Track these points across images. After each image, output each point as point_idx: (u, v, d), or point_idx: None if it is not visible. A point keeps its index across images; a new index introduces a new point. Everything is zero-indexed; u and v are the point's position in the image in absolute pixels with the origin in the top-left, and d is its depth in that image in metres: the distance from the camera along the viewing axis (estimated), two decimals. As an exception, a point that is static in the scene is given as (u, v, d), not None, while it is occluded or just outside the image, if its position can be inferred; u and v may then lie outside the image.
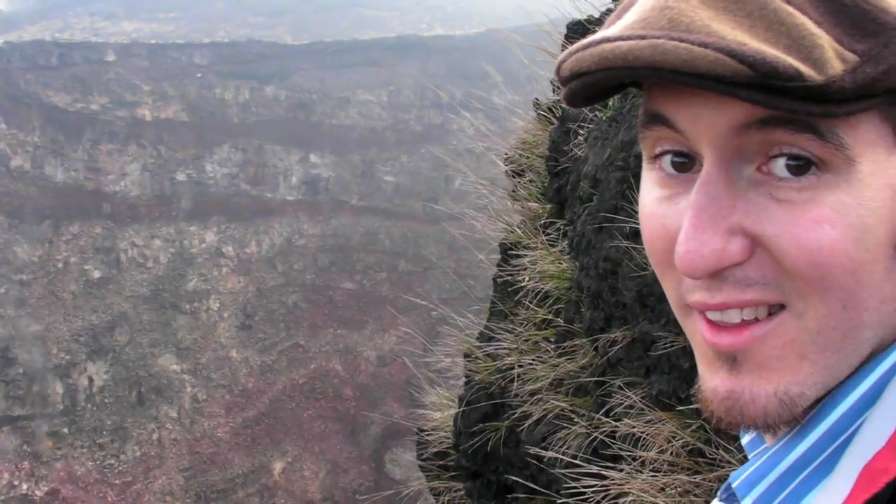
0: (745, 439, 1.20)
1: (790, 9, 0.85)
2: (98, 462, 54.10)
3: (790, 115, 0.86)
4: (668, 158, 0.99)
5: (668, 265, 0.99)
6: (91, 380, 56.82)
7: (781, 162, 0.90)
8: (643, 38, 0.87)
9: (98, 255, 60.51)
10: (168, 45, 66.68)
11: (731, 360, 0.98)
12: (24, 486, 51.89)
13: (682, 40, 0.85)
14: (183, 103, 65.17)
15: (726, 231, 0.91)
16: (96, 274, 60.02)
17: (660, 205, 1.00)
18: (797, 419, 0.98)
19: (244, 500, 55.74)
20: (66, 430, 54.58)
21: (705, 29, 0.85)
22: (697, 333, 1.01)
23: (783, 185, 0.90)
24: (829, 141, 0.86)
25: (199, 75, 66.09)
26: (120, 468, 54.35)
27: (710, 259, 0.91)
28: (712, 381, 1.00)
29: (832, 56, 0.83)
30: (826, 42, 0.83)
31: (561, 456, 4.30)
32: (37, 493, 51.89)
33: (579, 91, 0.95)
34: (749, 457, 1.14)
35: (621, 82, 0.95)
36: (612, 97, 0.90)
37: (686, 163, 0.98)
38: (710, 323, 0.98)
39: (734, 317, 0.96)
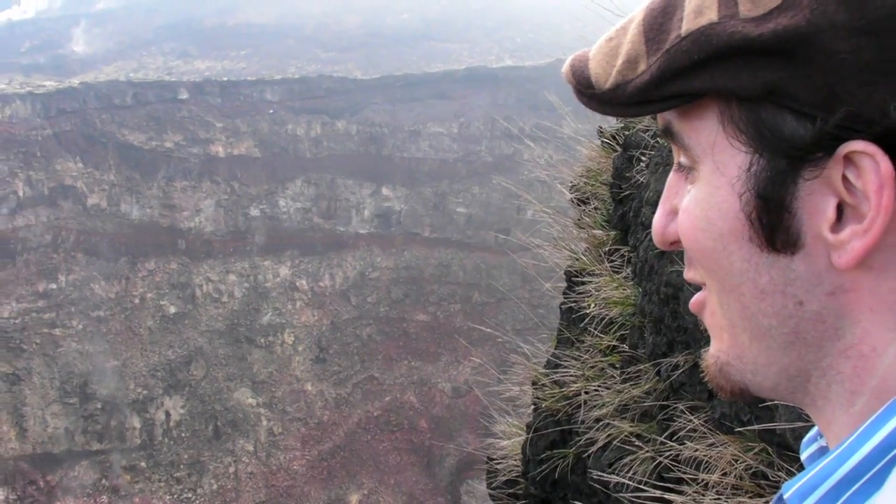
0: (805, 455, 1.23)
1: (635, 34, 0.99)
2: (175, 496, 54.60)
3: (665, 126, 1.03)
4: None
5: None
6: (168, 414, 57.44)
7: None
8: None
9: (174, 290, 61.23)
10: (240, 82, 67.32)
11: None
12: (104, 520, 52.60)
13: (570, 60, 1.06)
14: (255, 139, 65.76)
15: (669, 211, 1.06)
16: (172, 309, 60.72)
17: None
18: (745, 393, 1.05)
19: (321, 533, 55.98)
20: (143, 464, 55.20)
21: (592, 52, 1.04)
22: None
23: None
24: (680, 145, 1.01)
25: (271, 111, 66.66)
26: (197, 501, 54.79)
27: (657, 232, 1.07)
28: None
29: (625, 69, 0.98)
30: (624, 58, 0.99)
31: (627, 481, 4.30)
32: (116, 526, 52.57)
33: None
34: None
35: None
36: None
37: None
38: None
39: None
